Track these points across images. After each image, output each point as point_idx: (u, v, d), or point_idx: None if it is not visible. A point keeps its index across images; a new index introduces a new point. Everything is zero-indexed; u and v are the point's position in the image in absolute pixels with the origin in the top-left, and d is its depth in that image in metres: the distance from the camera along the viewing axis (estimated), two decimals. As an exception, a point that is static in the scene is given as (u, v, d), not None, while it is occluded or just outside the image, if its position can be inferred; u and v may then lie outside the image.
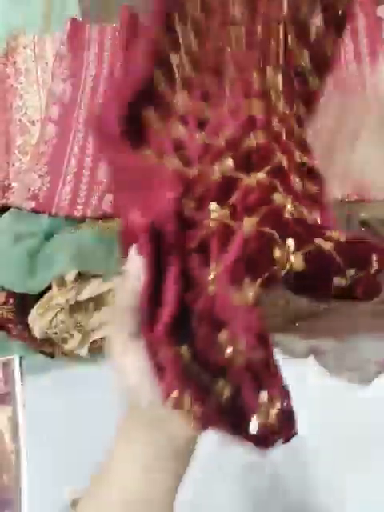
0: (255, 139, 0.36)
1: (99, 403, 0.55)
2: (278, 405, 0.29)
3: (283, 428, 0.29)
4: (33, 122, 0.86)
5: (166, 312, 0.30)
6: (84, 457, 0.57)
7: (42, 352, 0.65)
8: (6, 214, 0.74)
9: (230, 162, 0.33)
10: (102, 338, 0.64)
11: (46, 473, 0.60)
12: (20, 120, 0.87)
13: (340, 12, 0.38)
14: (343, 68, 0.79)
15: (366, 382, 0.59)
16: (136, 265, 0.30)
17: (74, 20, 0.89)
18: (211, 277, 0.30)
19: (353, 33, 0.81)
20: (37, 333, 0.62)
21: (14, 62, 0.90)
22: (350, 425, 0.58)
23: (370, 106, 0.68)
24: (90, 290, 0.64)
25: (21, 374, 0.67)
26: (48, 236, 0.72)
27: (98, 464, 0.33)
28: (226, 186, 0.34)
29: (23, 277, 0.64)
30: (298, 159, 0.36)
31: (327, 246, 0.32)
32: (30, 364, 0.67)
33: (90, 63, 0.88)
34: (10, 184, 0.80)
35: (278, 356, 0.29)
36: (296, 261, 0.31)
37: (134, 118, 0.38)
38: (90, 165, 0.79)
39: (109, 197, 0.75)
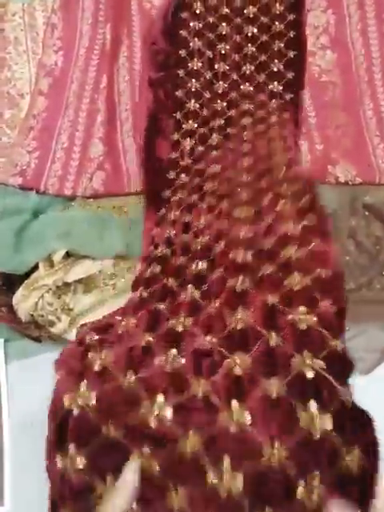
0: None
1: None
2: None
3: None
4: (22, 95, 0.82)
5: None
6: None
7: (28, 336, 0.62)
8: (-8, 190, 0.70)
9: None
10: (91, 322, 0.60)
11: (28, 458, 0.57)
12: (8, 92, 0.82)
13: None
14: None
15: (367, 372, 0.57)
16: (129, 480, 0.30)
17: (66, -13, 0.84)
18: None
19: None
20: (22, 315, 0.59)
21: (2, 30, 0.84)
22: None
23: None
24: (79, 270, 0.61)
25: (5, 358, 0.64)
26: (36, 214, 0.68)
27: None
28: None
29: (8, 255, 0.60)
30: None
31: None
32: (15, 348, 0.63)
33: (84, 34, 0.84)
34: (-4, 159, 0.76)
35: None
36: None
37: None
38: (81, 141, 0.75)
39: (100, 175, 0.71)
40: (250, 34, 0.75)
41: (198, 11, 0.77)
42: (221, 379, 0.34)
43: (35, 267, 0.62)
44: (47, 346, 0.62)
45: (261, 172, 0.53)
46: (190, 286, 0.46)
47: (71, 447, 0.33)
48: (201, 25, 0.76)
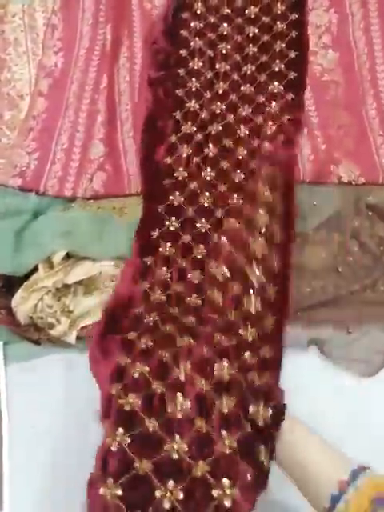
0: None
1: (84, 392, 0.51)
2: None
3: None
4: (21, 96, 0.81)
5: None
6: (70, 444, 0.56)
7: (27, 338, 0.61)
8: (-9, 191, 0.70)
9: None
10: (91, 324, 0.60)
11: (27, 460, 0.56)
12: (8, 94, 0.82)
13: None
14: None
15: (372, 374, 0.56)
16: None
17: (66, -12, 0.84)
18: None
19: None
20: (21, 317, 0.58)
21: (2, 32, 0.84)
22: (350, 413, 0.55)
23: None
24: (79, 272, 0.60)
25: (4, 360, 0.63)
26: (36, 215, 0.67)
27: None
28: None
29: (8, 256, 0.60)
30: None
31: None
32: (14, 351, 0.63)
33: (84, 35, 0.83)
34: (-5, 160, 0.75)
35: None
36: None
37: None
38: (81, 142, 0.74)
39: (101, 175, 0.71)
40: (251, 35, 0.74)
41: (198, 11, 0.77)
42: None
43: (35, 269, 0.61)
44: (47, 349, 0.61)
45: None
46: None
47: (110, 480, 0.41)
48: (202, 25, 0.76)
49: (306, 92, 0.72)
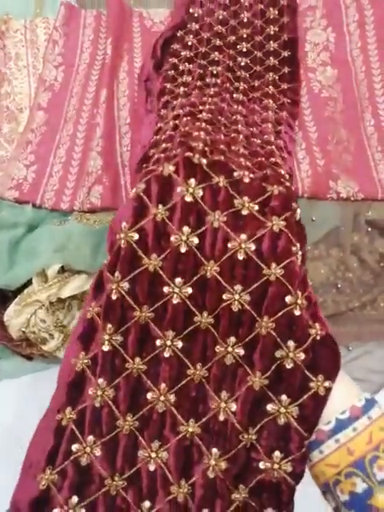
0: None
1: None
2: None
3: None
4: (20, 109, 0.81)
5: None
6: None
7: (19, 353, 0.59)
8: (-13, 204, 0.69)
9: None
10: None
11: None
12: (7, 107, 0.82)
13: None
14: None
15: (372, 394, 0.55)
16: None
17: (68, 4, 0.85)
18: None
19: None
20: (13, 332, 0.57)
21: (4, 46, 0.85)
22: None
23: None
24: (74, 286, 0.59)
25: (-5, 377, 0.61)
26: (31, 228, 0.66)
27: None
28: None
29: (2, 268, 0.58)
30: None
31: None
32: (6, 366, 0.61)
33: (85, 50, 0.84)
34: (-8, 173, 0.75)
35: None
36: None
37: None
38: (79, 155, 0.74)
39: (98, 189, 0.70)
40: (243, 64, 0.73)
41: (189, 43, 0.75)
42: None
43: (29, 282, 0.60)
44: (38, 365, 0.60)
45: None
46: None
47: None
48: (192, 54, 0.74)
49: (305, 108, 0.72)
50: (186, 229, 0.45)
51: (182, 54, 0.74)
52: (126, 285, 0.44)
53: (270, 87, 0.71)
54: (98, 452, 0.43)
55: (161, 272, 0.44)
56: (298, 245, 0.45)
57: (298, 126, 0.70)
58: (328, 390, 0.40)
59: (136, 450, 0.43)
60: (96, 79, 0.81)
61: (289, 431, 0.41)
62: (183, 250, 0.45)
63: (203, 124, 0.56)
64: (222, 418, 0.42)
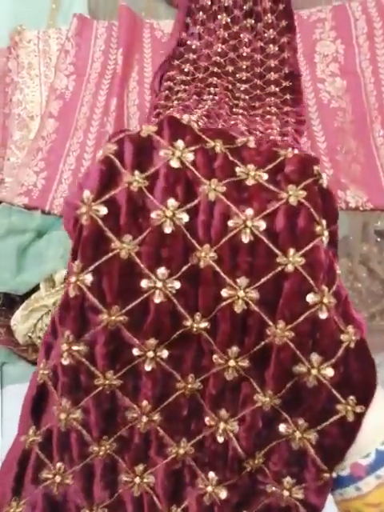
0: None
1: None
2: None
3: None
4: (32, 117, 0.82)
5: None
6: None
7: (25, 359, 0.59)
8: (-3, 209, 0.70)
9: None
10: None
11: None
12: (19, 114, 0.83)
13: None
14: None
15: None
16: None
17: (81, 16, 0.86)
18: None
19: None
20: (19, 337, 0.57)
21: (17, 56, 0.86)
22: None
23: None
24: (81, 292, 0.59)
25: (1, 381, 0.61)
26: (40, 234, 0.67)
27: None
28: None
29: (10, 274, 0.59)
30: None
31: None
32: (11, 372, 0.61)
33: (96, 60, 0.85)
34: (3, 179, 0.76)
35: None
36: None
37: None
38: (89, 163, 0.75)
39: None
40: (242, 89, 0.72)
41: (186, 70, 0.74)
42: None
43: (37, 287, 0.60)
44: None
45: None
46: None
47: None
48: (189, 78, 0.73)
49: (314, 118, 0.72)
50: (171, 202, 0.34)
51: (178, 78, 0.72)
52: (88, 277, 0.33)
53: (273, 108, 0.66)
54: (69, 481, 0.36)
55: (137, 260, 0.34)
56: (324, 222, 0.34)
57: (306, 136, 0.70)
58: (359, 415, 0.32)
59: (116, 475, 0.36)
60: (107, 88, 0.82)
61: (304, 458, 0.33)
62: (168, 230, 0.34)
63: (196, 116, 0.48)
64: (220, 439, 0.35)
